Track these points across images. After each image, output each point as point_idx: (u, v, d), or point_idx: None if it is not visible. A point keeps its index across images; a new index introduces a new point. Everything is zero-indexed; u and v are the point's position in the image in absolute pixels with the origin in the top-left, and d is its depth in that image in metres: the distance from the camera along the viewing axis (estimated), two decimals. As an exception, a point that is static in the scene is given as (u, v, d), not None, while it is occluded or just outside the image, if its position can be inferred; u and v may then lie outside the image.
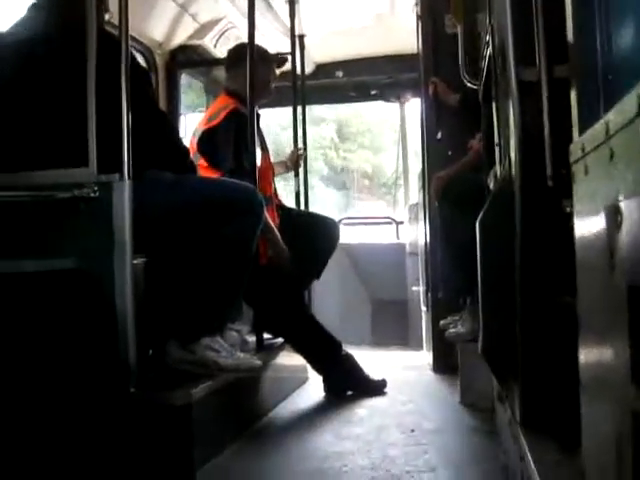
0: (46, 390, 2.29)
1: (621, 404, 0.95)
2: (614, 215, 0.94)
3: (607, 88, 1.26)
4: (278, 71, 4.02)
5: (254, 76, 3.32)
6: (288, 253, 3.53)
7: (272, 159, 4.06)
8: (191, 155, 3.54)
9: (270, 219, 3.47)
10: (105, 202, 2.29)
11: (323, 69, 5.97)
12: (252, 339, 3.42)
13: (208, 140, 3.55)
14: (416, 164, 6.20)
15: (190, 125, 5.21)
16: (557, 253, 1.89)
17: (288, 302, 3.67)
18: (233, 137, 3.35)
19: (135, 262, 2.36)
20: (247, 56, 3.32)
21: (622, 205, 0.91)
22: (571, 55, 1.44)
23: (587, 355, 1.18)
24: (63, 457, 2.15)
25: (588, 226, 1.12)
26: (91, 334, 2.29)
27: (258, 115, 3.81)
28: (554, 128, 1.91)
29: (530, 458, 1.59)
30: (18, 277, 2.19)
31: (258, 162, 3.37)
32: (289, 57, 4.49)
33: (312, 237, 3.85)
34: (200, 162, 3.51)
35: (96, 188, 2.28)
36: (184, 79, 5.18)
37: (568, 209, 1.87)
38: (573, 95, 1.37)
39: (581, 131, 1.28)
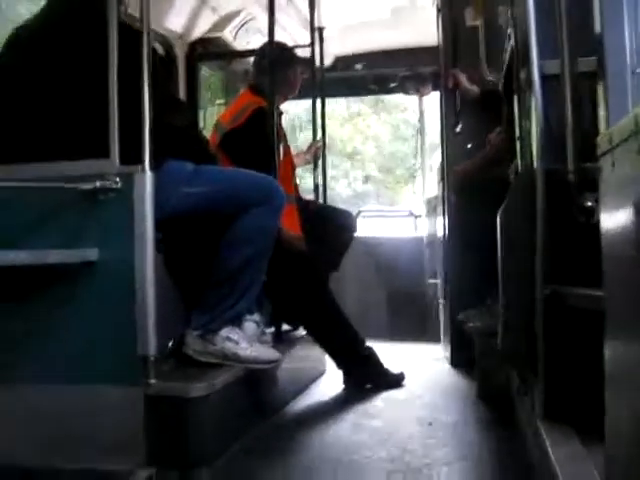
0: (67, 381, 2.31)
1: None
2: (642, 208, 0.93)
3: (635, 82, 1.25)
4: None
5: (275, 70, 3.32)
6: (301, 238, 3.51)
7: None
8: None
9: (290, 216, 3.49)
10: (127, 193, 2.29)
11: (342, 61, 5.94)
12: (270, 330, 3.43)
13: (233, 140, 3.54)
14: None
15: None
16: (578, 246, 1.88)
17: (312, 294, 3.65)
18: (259, 137, 3.30)
19: (155, 253, 2.36)
20: (267, 50, 3.34)
21: (651, 198, 0.90)
22: (598, 48, 1.43)
23: (613, 349, 1.17)
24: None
25: (615, 219, 1.12)
26: (111, 325, 2.31)
27: (281, 112, 3.81)
28: (576, 122, 1.90)
29: (551, 452, 1.58)
30: (39, 268, 2.20)
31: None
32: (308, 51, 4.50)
33: (329, 229, 3.85)
34: (222, 159, 3.51)
35: (118, 179, 2.29)
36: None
37: (589, 202, 1.87)
38: (600, 89, 1.36)
39: (607, 124, 1.28)
